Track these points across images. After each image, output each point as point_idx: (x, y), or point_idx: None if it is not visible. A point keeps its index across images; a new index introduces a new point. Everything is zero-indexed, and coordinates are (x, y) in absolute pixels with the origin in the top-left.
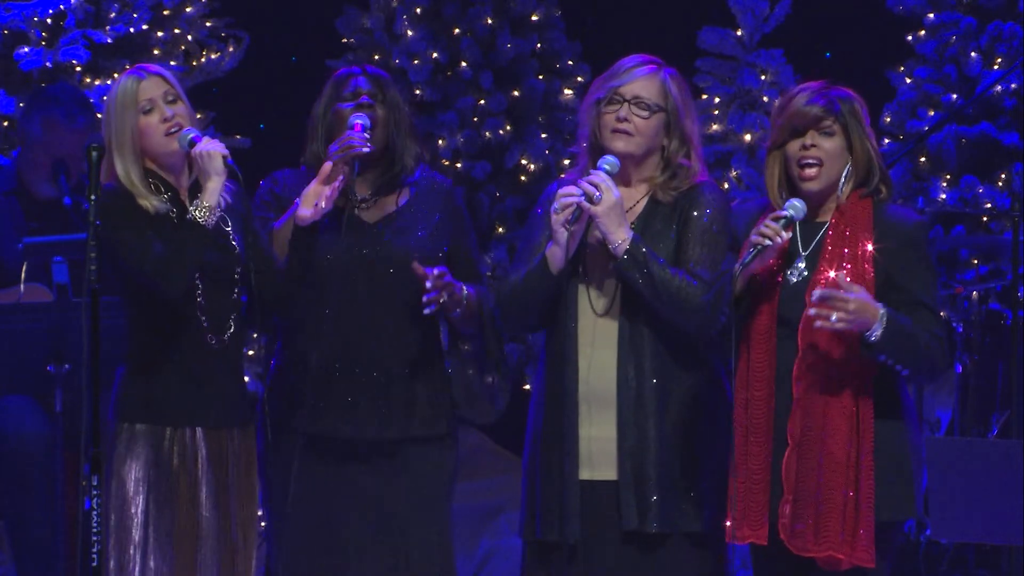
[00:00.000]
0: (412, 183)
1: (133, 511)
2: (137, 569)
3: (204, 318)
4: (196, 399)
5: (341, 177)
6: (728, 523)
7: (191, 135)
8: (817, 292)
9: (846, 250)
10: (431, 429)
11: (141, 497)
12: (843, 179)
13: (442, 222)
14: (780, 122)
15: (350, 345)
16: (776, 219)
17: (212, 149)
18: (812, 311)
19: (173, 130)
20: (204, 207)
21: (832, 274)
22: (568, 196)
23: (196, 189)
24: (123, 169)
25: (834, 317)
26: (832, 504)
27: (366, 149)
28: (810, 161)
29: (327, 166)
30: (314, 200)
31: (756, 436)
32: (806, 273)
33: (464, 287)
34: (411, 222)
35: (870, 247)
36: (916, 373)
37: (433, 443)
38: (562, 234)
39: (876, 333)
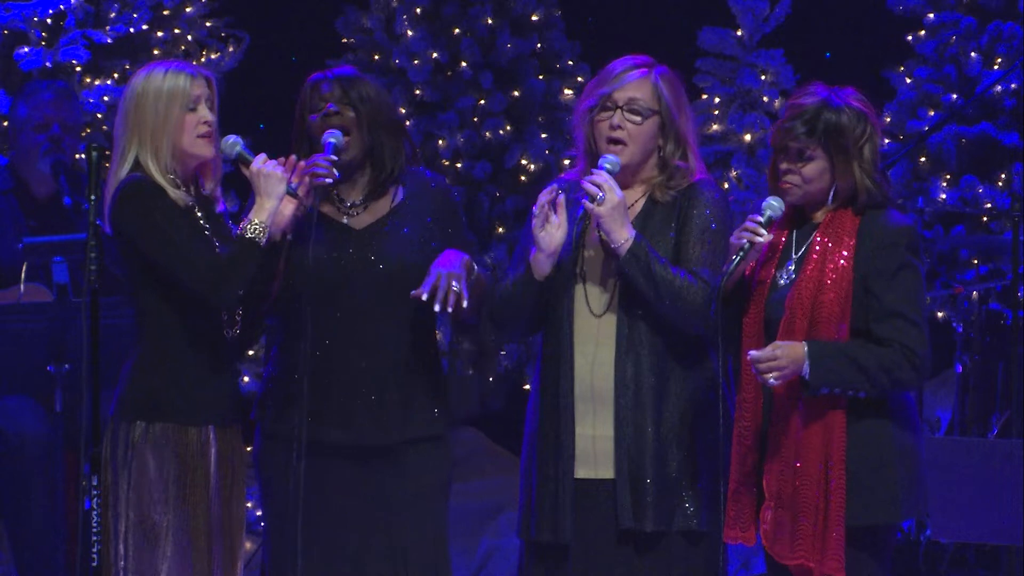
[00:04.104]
0: (404, 183)
1: (156, 510)
2: (164, 568)
3: (226, 316)
4: (209, 397)
5: (309, 201)
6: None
7: (240, 146)
8: (750, 355)
9: (828, 256)
10: (428, 430)
11: (162, 495)
12: (831, 195)
13: (433, 222)
14: (774, 128)
15: (344, 352)
16: (755, 220)
17: (273, 171)
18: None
19: (204, 134)
20: (256, 224)
21: (751, 353)
22: (546, 196)
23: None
24: (153, 158)
25: (771, 380)
26: (805, 512)
27: (329, 180)
28: (788, 182)
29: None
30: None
31: (745, 438)
32: (794, 276)
33: (470, 268)
34: (401, 226)
35: (845, 252)
36: (875, 392)
37: (430, 443)
38: (544, 240)
39: (806, 371)
